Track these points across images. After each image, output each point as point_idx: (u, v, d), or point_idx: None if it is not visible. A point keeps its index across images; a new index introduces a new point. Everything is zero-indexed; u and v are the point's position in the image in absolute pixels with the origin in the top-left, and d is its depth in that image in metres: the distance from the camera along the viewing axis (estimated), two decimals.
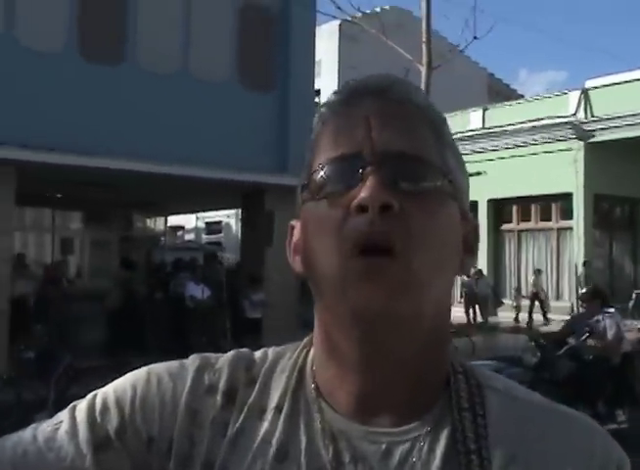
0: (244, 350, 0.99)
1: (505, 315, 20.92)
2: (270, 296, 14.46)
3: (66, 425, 0.91)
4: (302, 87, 15.51)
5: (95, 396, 0.94)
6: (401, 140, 0.87)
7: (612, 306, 9.00)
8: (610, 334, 8.44)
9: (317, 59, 17.44)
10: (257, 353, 0.99)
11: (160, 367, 0.95)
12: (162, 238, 27.36)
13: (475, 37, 8.10)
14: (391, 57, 15.16)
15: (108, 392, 0.93)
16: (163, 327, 14.33)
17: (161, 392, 0.92)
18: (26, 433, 0.92)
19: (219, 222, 24.79)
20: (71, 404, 0.94)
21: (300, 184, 0.92)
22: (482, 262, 21.84)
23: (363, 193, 0.83)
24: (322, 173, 0.88)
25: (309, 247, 0.89)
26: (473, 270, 17.77)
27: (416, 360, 0.89)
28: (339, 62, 31.36)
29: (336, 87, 0.96)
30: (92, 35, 13.26)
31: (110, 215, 18.92)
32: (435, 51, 11.99)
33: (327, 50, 29.53)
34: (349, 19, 17.27)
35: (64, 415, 0.93)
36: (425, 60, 6.15)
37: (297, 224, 0.95)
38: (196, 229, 28.55)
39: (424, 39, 6.43)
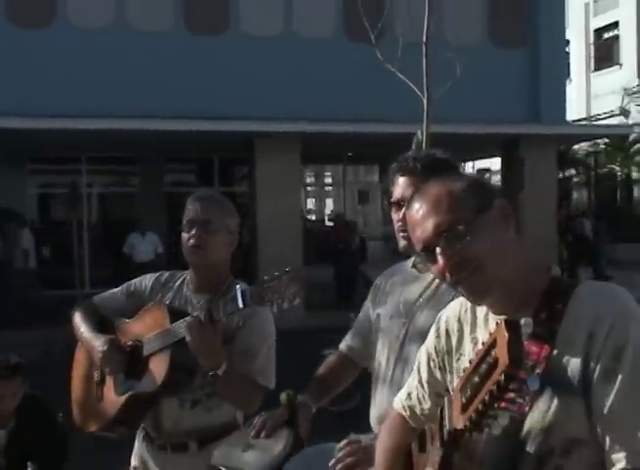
0: (175, 270, 3.05)
1: None
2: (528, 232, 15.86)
3: (119, 289, 3.05)
4: (554, 40, 16.50)
5: (130, 279, 3.06)
6: (206, 215, 2.76)
7: None
8: None
9: None
10: (184, 272, 3.01)
11: (151, 274, 3.06)
12: None
13: None
14: None
15: (133, 280, 3.06)
16: None
17: (146, 282, 3.01)
18: (108, 292, 3.08)
19: (488, 169, 25.59)
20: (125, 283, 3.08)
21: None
22: None
23: (193, 232, 2.78)
24: (184, 225, 2.83)
25: None
26: None
27: (210, 276, 2.84)
28: None
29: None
30: None
31: None
32: None
33: None
34: None
35: (120, 287, 3.06)
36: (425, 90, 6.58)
37: None
38: None
39: (424, 66, 6.70)
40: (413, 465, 1.78)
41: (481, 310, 1.74)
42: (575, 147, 24.76)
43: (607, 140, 23.79)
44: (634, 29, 26.67)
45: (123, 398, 2.72)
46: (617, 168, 25.55)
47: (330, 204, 22.42)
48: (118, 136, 14.56)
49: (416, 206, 1.69)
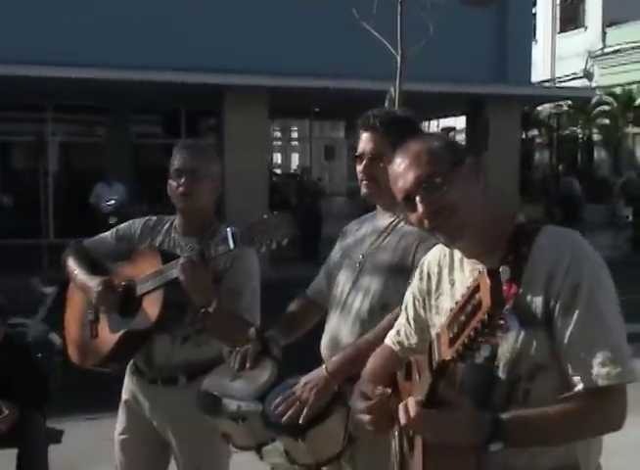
0: (161, 215, 3.20)
1: None
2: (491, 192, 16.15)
3: (108, 233, 3.20)
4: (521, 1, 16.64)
5: (119, 225, 3.20)
6: (193, 163, 2.94)
7: None
8: None
9: None
10: (170, 217, 3.17)
11: (139, 219, 3.20)
12: None
13: None
14: None
15: (122, 224, 3.20)
16: None
17: (135, 226, 3.16)
18: (97, 236, 3.22)
19: (453, 128, 25.60)
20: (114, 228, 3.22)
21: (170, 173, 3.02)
22: None
23: (180, 181, 2.94)
24: (172, 174, 2.97)
25: None
26: None
27: (197, 220, 3.02)
28: None
29: None
30: None
31: None
32: None
33: None
34: None
35: (109, 231, 3.20)
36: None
37: None
38: None
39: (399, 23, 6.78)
40: (399, 390, 1.98)
41: (457, 255, 1.96)
42: (539, 108, 25.06)
43: (570, 102, 24.10)
44: None
45: (118, 334, 2.89)
46: (579, 131, 25.96)
47: (296, 158, 22.52)
48: (86, 85, 14.44)
49: (398, 160, 1.89)
